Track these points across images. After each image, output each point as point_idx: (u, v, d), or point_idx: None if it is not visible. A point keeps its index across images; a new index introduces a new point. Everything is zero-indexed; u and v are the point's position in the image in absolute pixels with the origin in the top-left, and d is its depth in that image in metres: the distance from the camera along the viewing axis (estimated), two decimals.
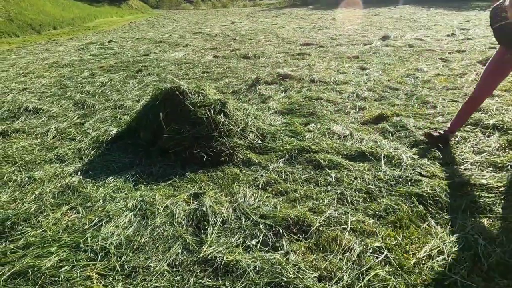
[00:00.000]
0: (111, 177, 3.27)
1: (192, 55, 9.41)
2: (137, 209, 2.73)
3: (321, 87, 5.51)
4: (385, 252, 2.04)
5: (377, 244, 2.11)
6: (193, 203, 2.76)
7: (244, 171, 3.22)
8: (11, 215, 2.70)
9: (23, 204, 2.91)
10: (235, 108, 3.96)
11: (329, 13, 20.53)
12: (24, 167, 3.60)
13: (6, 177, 3.40)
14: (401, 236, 2.19)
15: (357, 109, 4.46)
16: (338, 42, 10.07)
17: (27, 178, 3.35)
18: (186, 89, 3.85)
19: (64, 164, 3.63)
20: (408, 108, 4.34)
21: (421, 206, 2.46)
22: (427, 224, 2.29)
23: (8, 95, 6.51)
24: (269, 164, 3.26)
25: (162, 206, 2.73)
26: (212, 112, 3.65)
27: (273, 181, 3.00)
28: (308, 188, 2.85)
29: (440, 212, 2.41)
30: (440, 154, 3.16)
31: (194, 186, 3.05)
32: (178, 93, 3.80)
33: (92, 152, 3.86)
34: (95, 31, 17.55)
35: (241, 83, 6.34)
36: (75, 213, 2.74)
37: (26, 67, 9.05)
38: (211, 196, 2.82)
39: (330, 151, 3.38)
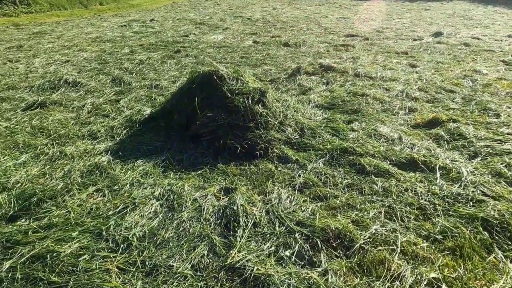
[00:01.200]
0: (141, 160, 3.10)
1: (231, 39, 9.12)
2: (164, 199, 2.53)
3: (366, 83, 5.07)
4: (444, 287, 1.71)
5: (433, 275, 1.78)
6: (223, 198, 2.53)
7: (279, 168, 2.94)
8: (38, 191, 2.59)
9: (51, 180, 2.80)
10: (275, 99, 3.66)
11: (375, 5, 19.46)
12: (57, 141, 3.51)
13: (39, 150, 3.32)
14: (462, 267, 1.84)
15: (407, 110, 4.03)
16: (385, 36, 9.41)
17: (58, 153, 3.25)
18: (225, 74, 3.59)
19: (96, 141, 3.51)
20: (466, 114, 3.86)
21: (486, 233, 2.09)
22: (494, 257, 1.93)
23: (51, 66, 6.55)
24: (308, 163, 2.96)
25: (190, 199, 2.51)
26: (250, 101, 3.37)
27: (311, 183, 2.70)
28: (350, 195, 2.54)
29: (509, 243, 2.03)
30: (507, 171, 2.72)
31: (225, 179, 2.82)
32: (216, 77, 3.54)
33: (124, 131, 3.71)
34: (138, 9, 17.62)
35: (280, 71, 6.00)
36: (101, 196, 2.58)
37: (70, 39, 9.13)
38: (243, 193, 2.57)
39: (376, 155, 3.02)
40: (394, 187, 2.59)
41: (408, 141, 3.28)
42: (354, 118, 3.82)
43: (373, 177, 2.73)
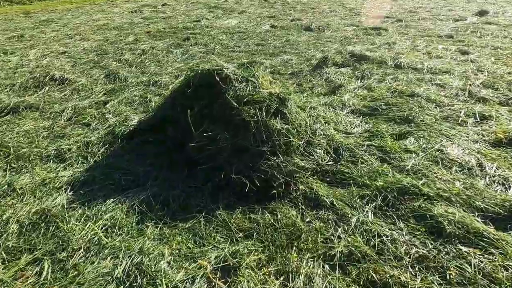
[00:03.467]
0: (112, 200, 2.12)
1: (247, 23, 7.93)
2: (128, 284, 1.56)
3: (412, 76, 3.88)
4: None
5: None
6: (219, 286, 1.52)
7: (307, 219, 1.90)
8: None
9: None
10: (298, 107, 2.57)
11: None
12: (12, 165, 2.58)
13: None
14: None
15: (477, 118, 2.86)
16: (420, 16, 7.98)
17: (6, 186, 2.32)
18: (231, 74, 2.51)
19: (61, 165, 2.55)
20: None
21: None
22: None
23: (45, 58, 5.62)
24: (349, 212, 1.90)
25: (169, 286, 1.52)
26: (264, 114, 2.30)
27: (359, 253, 1.65)
28: (425, 282, 1.48)
29: None
30: None
31: (227, 239, 1.81)
32: (218, 79, 2.48)
33: (102, 149, 2.74)
34: None
35: (302, 62, 4.85)
36: (35, 274, 1.63)
37: (76, 27, 8.19)
38: (251, 271, 1.56)
39: (453, 199, 1.92)
40: (500, 268, 1.50)
41: (495, 171, 2.15)
42: (407, 131, 2.69)
43: (458, 245, 1.64)
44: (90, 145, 2.81)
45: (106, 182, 2.32)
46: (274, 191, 2.05)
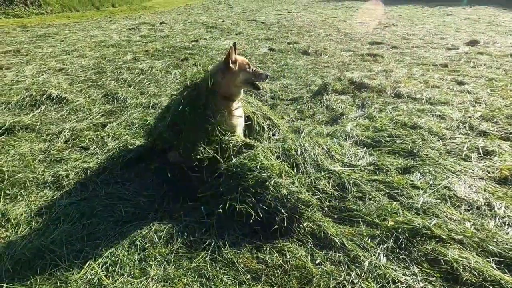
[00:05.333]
0: (111, 235, 2.02)
1: (245, 45, 8.00)
2: None
3: (411, 106, 3.91)
4: None
5: None
6: None
7: (318, 260, 1.83)
8: None
9: None
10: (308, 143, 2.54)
11: (393, 9, 18.09)
12: (7, 191, 2.46)
13: None
14: None
15: (480, 152, 2.87)
16: (414, 44, 8.17)
17: (0, 216, 2.20)
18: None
19: (58, 193, 2.45)
20: None
21: None
22: None
23: (42, 75, 5.53)
24: (362, 255, 1.84)
25: None
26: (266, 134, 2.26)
27: None
28: None
29: None
30: None
31: (234, 282, 1.72)
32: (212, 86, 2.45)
33: (101, 177, 2.65)
34: (150, 11, 16.61)
35: (302, 87, 4.87)
36: None
37: (73, 44, 8.14)
38: None
39: (466, 242, 1.88)
40: None
41: (504, 211, 2.13)
42: (412, 165, 2.67)
43: None
44: (89, 171, 2.71)
45: (106, 214, 2.22)
46: (275, 226, 1.98)
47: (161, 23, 11.32)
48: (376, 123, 3.45)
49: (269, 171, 2.21)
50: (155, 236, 2.00)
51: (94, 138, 3.30)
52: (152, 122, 3.37)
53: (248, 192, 2.11)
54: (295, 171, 2.40)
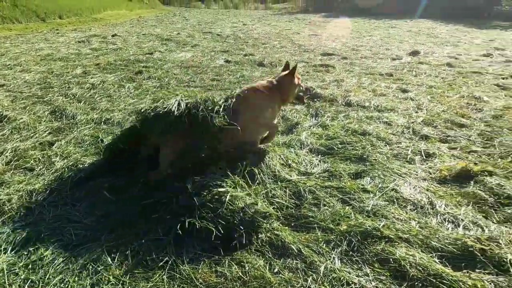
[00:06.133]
0: (60, 260, 1.91)
1: (201, 57, 8.01)
2: None
3: (361, 114, 4.14)
4: None
5: None
6: None
7: (276, 269, 1.86)
8: None
9: None
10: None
11: (343, 22, 19.11)
12: None
13: None
14: None
15: (423, 155, 3.10)
16: (362, 54, 8.68)
17: None
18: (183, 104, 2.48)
19: (0, 220, 2.27)
20: (496, 161, 2.98)
21: None
22: None
23: None
24: (317, 260, 1.90)
25: None
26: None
27: None
28: None
29: None
30: None
31: None
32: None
33: (48, 199, 2.50)
34: (101, 23, 16.09)
35: None
36: None
37: (16, 57, 7.65)
38: None
39: (412, 240, 2.02)
40: None
41: (444, 209, 2.32)
42: (363, 170, 2.82)
43: None
44: (34, 194, 2.55)
45: (54, 238, 2.09)
46: (234, 242, 1.99)
47: (113, 36, 11.00)
48: (329, 131, 3.61)
49: (225, 185, 2.22)
50: (109, 258, 1.92)
51: (40, 158, 3.11)
52: (109, 140, 3.26)
53: (206, 208, 2.10)
54: (252, 182, 2.43)
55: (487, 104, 4.48)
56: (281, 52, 9.07)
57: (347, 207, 2.32)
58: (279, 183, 2.53)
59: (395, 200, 2.40)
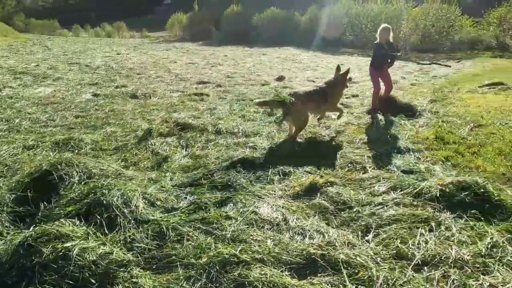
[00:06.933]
0: None
1: (64, 92, 7.30)
2: None
3: (230, 141, 4.38)
4: None
5: None
6: None
7: None
8: None
9: None
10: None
11: (220, 50, 20.12)
12: None
13: None
14: None
15: (281, 175, 3.44)
16: (236, 81, 9.26)
17: None
18: None
19: None
20: (337, 172, 3.52)
21: None
22: None
23: None
24: None
25: None
26: None
27: None
28: None
29: None
30: (406, 249, 2.29)
31: None
32: None
33: None
34: None
35: (128, 133, 4.77)
36: None
37: None
38: None
39: (266, 259, 2.19)
40: None
41: (295, 223, 2.60)
42: (227, 197, 2.96)
43: None
44: None
45: None
46: None
47: None
48: (198, 161, 3.70)
49: (74, 236, 2.04)
50: None
51: None
52: None
53: (49, 269, 1.88)
54: (109, 229, 2.29)
55: (334, 121, 5.29)
56: (157, 82, 8.98)
57: (209, 238, 2.39)
58: (141, 225, 2.45)
59: (254, 222, 2.59)
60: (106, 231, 2.28)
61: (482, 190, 2.84)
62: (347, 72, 4.92)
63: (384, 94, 6.10)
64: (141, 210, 2.59)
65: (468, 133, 4.64)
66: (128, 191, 2.64)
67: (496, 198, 2.79)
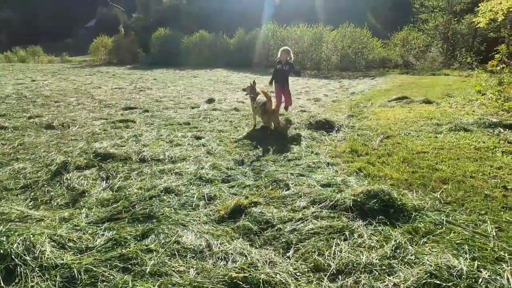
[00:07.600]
0: None
1: None
2: None
3: (155, 168, 4.25)
4: None
5: None
6: None
7: None
8: None
9: None
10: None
11: (149, 73, 19.67)
12: None
13: None
14: None
15: (206, 199, 3.43)
16: (164, 106, 9.11)
17: None
18: None
19: None
20: (261, 191, 3.62)
21: None
22: None
23: None
24: None
25: None
26: None
27: None
28: None
29: None
30: (323, 261, 2.42)
31: None
32: None
33: None
34: None
35: (40, 169, 4.36)
36: None
37: None
38: None
39: None
40: None
41: (219, 248, 2.60)
42: (149, 228, 2.85)
43: None
44: None
45: None
46: None
47: None
48: (118, 193, 3.52)
49: None
50: None
51: None
52: None
53: None
54: (8, 281, 2.05)
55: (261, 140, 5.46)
56: (78, 110, 8.43)
57: (126, 276, 2.26)
58: (47, 272, 2.23)
59: (176, 253, 2.52)
60: (3, 285, 2.03)
61: (387, 196, 3.15)
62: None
63: (284, 107, 7.43)
64: (48, 255, 2.36)
65: (378, 144, 5.14)
66: (31, 236, 2.39)
67: (399, 202, 3.12)
